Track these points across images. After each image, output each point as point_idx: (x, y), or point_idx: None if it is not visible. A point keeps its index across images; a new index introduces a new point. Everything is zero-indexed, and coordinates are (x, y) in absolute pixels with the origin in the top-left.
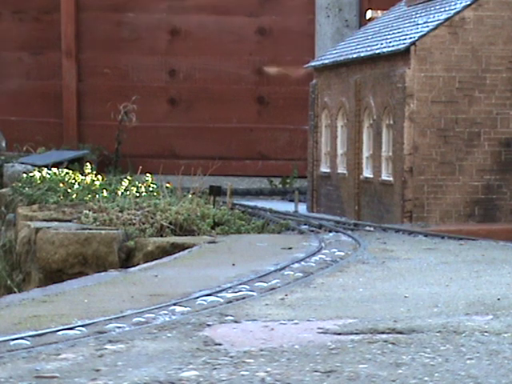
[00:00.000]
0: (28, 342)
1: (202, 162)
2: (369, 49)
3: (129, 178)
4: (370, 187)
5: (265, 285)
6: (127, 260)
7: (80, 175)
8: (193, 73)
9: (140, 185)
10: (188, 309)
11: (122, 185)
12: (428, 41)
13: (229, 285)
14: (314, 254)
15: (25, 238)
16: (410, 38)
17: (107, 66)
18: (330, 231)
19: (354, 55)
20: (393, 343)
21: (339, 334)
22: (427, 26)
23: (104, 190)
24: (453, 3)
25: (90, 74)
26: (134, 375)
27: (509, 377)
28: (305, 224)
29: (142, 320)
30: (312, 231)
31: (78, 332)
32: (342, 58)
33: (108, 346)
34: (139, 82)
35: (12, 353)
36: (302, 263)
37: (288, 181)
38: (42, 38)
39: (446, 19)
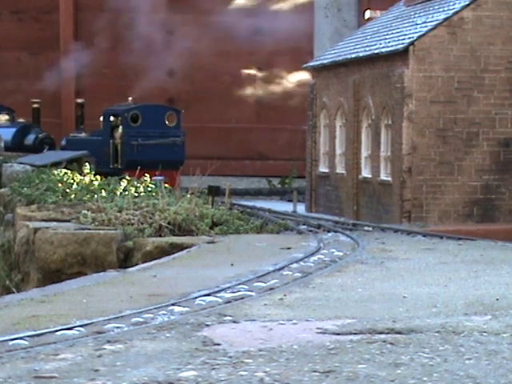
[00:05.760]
0: (27, 342)
1: (201, 161)
2: (367, 49)
3: (127, 177)
4: (369, 187)
5: (263, 285)
6: (126, 260)
7: (78, 175)
8: (192, 73)
9: (139, 185)
10: (187, 309)
11: (120, 185)
12: (427, 41)
13: (227, 285)
14: (312, 254)
15: (23, 238)
16: (409, 38)
17: (106, 66)
18: (329, 231)
19: (353, 55)
20: (391, 343)
21: (338, 334)
22: (426, 26)
23: (103, 190)
24: (451, 3)
25: (88, 74)
26: (132, 375)
27: (507, 377)
28: (303, 224)
29: (141, 320)
30: (311, 231)
31: (77, 332)
32: (340, 58)
33: (107, 346)
34: (138, 82)
35: (11, 353)
36: (301, 263)
37: (287, 181)
38: (41, 37)
39: (445, 19)
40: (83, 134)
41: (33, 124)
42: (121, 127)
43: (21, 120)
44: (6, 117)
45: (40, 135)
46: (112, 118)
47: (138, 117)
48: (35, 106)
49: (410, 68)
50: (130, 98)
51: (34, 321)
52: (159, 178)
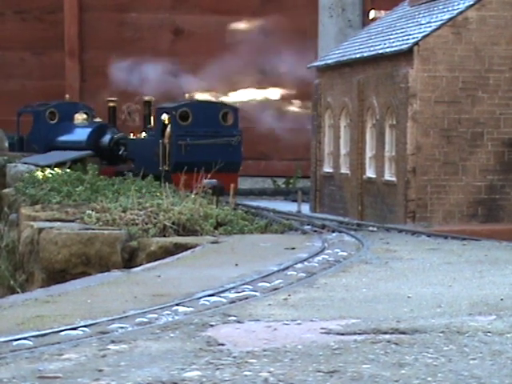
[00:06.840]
0: (31, 343)
1: None
2: (372, 49)
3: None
4: (373, 187)
5: (268, 285)
6: (130, 260)
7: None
8: (196, 72)
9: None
10: (191, 309)
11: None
12: (431, 41)
13: (232, 285)
14: (317, 254)
15: (28, 238)
16: (413, 38)
17: (110, 66)
18: (333, 231)
19: (357, 55)
20: (396, 343)
21: (342, 334)
22: (430, 26)
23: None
24: (456, 3)
25: (93, 74)
26: (136, 375)
27: None
28: (308, 224)
29: (145, 320)
30: (315, 231)
31: (81, 332)
32: (345, 58)
33: (111, 346)
34: (142, 82)
35: (15, 353)
36: (305, 263)
37: (291, 181)
38: (45, 38)
39: (449, 19)
40: (143, 134)
41: (109, 124)
42: (169, 126)
43: (97, 119)
44: (84, 116)
45: (116, 136)
46: (163, 117)
47: (188, 115)
48: (111, 104)
49: (414, 68)
50: (187, 95)
51: (38, 321)
52: (212, 181)
